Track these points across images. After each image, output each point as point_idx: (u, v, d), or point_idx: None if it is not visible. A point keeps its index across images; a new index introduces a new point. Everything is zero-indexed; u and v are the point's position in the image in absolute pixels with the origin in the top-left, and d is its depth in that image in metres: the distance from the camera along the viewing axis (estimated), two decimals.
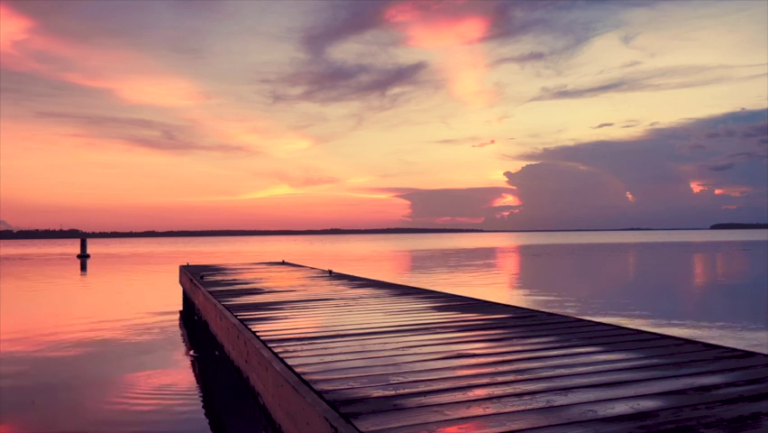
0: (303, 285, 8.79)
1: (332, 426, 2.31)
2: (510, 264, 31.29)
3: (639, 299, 14.50)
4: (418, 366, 3.34)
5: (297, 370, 3.26)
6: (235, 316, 5.51)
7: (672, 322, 10.58)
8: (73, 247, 69.70)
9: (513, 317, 5.21)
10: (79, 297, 18.06)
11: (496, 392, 2.75)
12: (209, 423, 5.46)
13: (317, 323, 5.11)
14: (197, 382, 6.89)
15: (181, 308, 13.17)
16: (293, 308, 6.15)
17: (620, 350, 3.70)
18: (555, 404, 2.55)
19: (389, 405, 2.56)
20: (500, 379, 3.01)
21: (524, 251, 49.81)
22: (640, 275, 24.26)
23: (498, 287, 18.15)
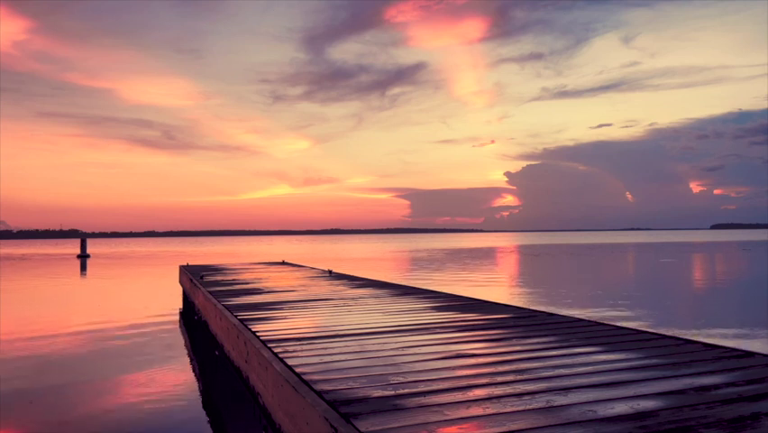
0: (303, 285, 8.79)
1: (332, 426, 2.31)
2: (510, 264, 31.29)
3: (639, 299, 14.50)
4: (418, 366, 3.34)
5: (297, 370, 3.26)
6: (235, 316, 5.51)
7: (671, 322, 10.58)
8: (73, 247, 69.70)
9: (513, 317, 5.21)
10: (79, 297, 18.06)
11: (496, 392, 2.75)
12: (209, 423, 5.45)
13: (317, 323, 5.11)
14: (197, 382, 6.89)
15: (181, 308, 13.18)
16: (293, 308, 6.16)
17: (620, 350, 3.70)
18: (555, 404, 2.55)
19: (389, 405, 2.56)
20: (500, 379, 3.01)
21: (524, 251, 49.81)
22: (640, 275, 24.26)
23: (498, 287, 18.16)
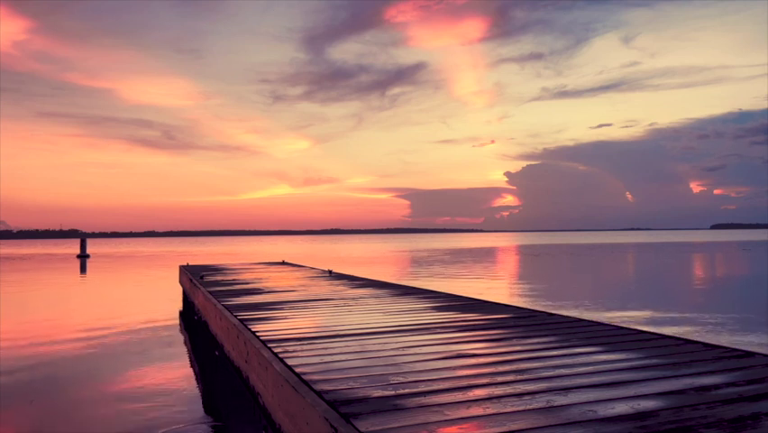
0: (303, 285, 8.79)
1: (332, 426, 2.31)
2: (510, 265, 31.29)
3: (639, 299, 14.50)
4: (418, 366, 3.34)
5: (297, 370, 3.26)
6: (235, 316, 5.51)
7: (672, 322, 10.58)
8: (73, 247, 69.67)
9: (513, 317, 5.21)
10: (79, 297, 18.06)
11: (496, 392, 2.75)
12: (209, 423, 5.45)
13: (317, 323, 5.11)
14: (197, 382, 6.89)
15: (181, 308, 13.18)
16: (293, 308, 6.16)
17: (620, 350, 3.70)
18: (555, 404, 2.55)
19: (389, 405, 2.57)
20: (500, 379, 3.01)
21: (524, 251, 49.81)
22: (640, 275, 24.26)
23: (499, 287, 18.15)
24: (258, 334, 4.51)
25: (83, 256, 42.49)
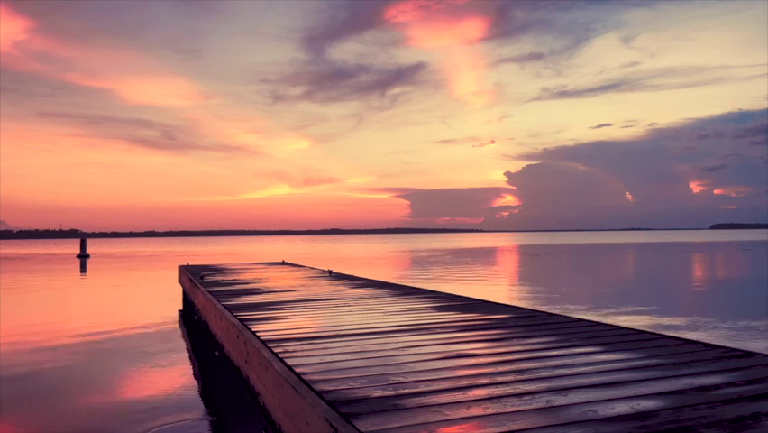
0: (303, 285, 8.79)
1: (332, 426, 2.31)
2: (510, 265, 31.29)
3: (639, 299, 14.50)
4: (418, 366, 3.34)
5: (297, 370, 3.26)
6: (235, 316, 5.51)
7: (672, 322, 10.58)
8: (73, 247, 69.66)
9: (513, 317, 5.21)
10: (79, 297, 18.06)
11: (496, 392, 2.75)
12: (209, 423, 5.45)
13: (317, 323, 5.11)
14: (197, 382, 6.89)
15: (181, 308, 13.18)
16: (293, 308, 6.16)
17: (620, 350, 3.70)
18: (555, 404, 2.55)
19: (389, 405, 2.56)
20: (500, 379, 3.01)
21: (524, 251, 49.81)
22: (640, 275, 24.26)
23: (499, 287, 18.15)
24: (258, 334, 4.51)
25: (83, 256, 42.48)
